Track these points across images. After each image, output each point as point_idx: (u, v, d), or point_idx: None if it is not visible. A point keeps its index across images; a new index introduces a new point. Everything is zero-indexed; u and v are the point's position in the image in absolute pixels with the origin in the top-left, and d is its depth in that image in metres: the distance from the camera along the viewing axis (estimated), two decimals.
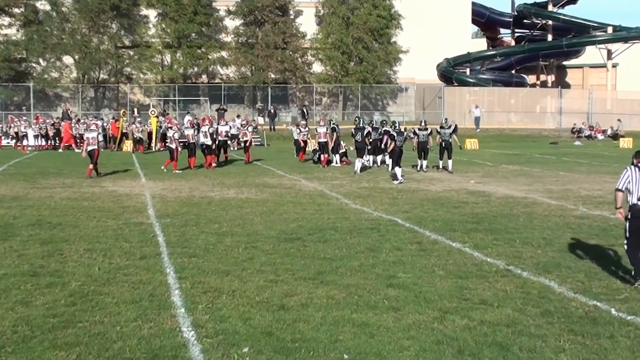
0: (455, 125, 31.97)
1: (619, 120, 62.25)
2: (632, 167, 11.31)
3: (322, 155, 33.76)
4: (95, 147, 28.08)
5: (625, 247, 11.41)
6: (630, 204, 11.29)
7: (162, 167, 30.51)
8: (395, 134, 27.51)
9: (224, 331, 8.66)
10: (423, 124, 30.43)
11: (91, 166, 27.90)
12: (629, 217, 11.37)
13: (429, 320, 9.11)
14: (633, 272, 11.08)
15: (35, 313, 9.38)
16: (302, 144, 37.74)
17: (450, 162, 29.99)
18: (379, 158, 33.40)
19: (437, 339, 8.41)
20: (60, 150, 44.71)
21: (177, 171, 29.81)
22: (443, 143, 30.31)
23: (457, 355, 7.91)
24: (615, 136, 60.12)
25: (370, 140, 32.21)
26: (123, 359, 7.80)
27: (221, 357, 7.83)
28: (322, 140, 33.50)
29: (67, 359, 7.80)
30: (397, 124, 29.15)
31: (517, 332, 8.64)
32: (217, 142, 33.40)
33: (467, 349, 8.06)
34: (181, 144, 32.87)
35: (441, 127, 30.70)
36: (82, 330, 8.67)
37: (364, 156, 31.92)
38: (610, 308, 9.64)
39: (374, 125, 34.06)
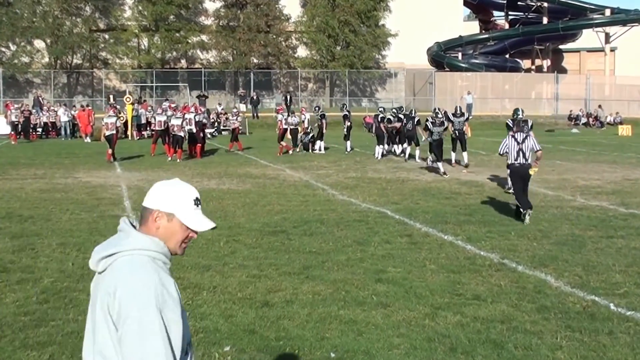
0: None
1: (599, 106, 62.61)
2: (510, 136, 16.83)
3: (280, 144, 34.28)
4: (114, 132, 30.31)
5: (512, 191, 17.73)
6: (509, 162, 16.67)
7: (169, 159, 30.62)
8: (430, 125, 25.81)
9: (205, 329, 8.64)
10: (459, 110, 28.68)
11: (110, 151, 29.85)
12: (509, 172, 17.09)
13: (419, 317, 9.11)
14: (520, 207, 16.01)
15: (5, 311, 9.33)
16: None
17: (465, 154, 28.33)
18: (400, 147, 32.92)
19: (429, 336, 8.41)
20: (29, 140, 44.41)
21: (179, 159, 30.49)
22: (456, 132, 27.94)
23: (450, 353, 7.91)
24: (602, 124, 60.49)
25: (390, 127, 32.24)
26: None
27: (202, 357, 7.81)
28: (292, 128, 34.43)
29: (40, 359, 7.76)
30: (439, 113, 26.39)
31: (512, 329, 8.65)
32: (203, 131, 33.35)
33: (460, 347, 8.07)
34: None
35: (453, 115, 28.26)
36: (55, 329, 8.63)
37: (385, 144, 32.60)
38: (609, 303, 9.66)
39: (396, 114, 33.62)
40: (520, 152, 16.38)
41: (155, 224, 3.50)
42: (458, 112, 28.51)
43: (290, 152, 33.91)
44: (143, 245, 3.43)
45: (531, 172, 16.44)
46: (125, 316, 3.27)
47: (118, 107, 44.34)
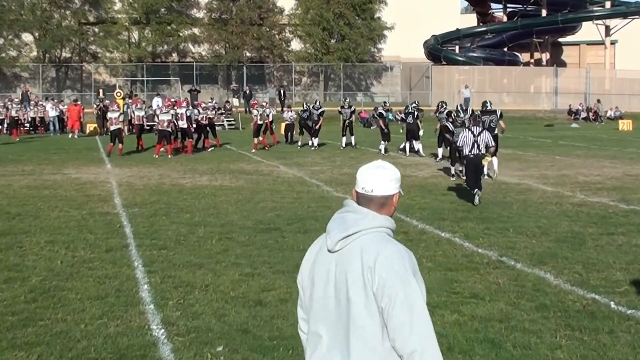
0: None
1: (597, 101, 62.70)
2: (466, 129, 18.80)
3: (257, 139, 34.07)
4: (119, 126, 31.38)
5: (464, 180, 19.57)
6: (464, 154, 18.73)
7: (155, 155, 30.54)
8: (451, 126, 24.35)
9: (197, 329, 8.63)
10: (489, 105, 25.16)
11: (121, 145, 30.97)
12: (465, 163, 19.11)
13: None
14: (470, 189, 18.11)
15: None
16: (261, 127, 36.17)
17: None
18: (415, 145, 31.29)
19: None
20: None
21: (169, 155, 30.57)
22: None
23: (447, 352, 7.89)
24: (600, 119, 60.60)
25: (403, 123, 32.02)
26: (88, 359, 7.76)
27: (193, 357, 7.80)
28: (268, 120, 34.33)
29: (28, 359, 7.74)
30: (461, 112, 25.12)
31: (510, 328, 8.64)
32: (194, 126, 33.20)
33: (457, 346, 8.06)
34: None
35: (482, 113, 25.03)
36: (44, 329, 8.61)
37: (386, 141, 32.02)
38: (610, 301, 9.66)
39: (408, 111, 32.27)
40: (475, 144, 18.26)
41: (394, 205, 4.09)
42: (487, 107, 25.22)
43: (267, 148, 33.64)
44: (382, 224, 3.92)
45: (484, 161, 18.96)
46: (389, 287, 3.68)
47: (52, 105, 44.11)
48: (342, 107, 35.94)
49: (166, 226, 14.98)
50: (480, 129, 18.69)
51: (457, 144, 19.28)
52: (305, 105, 37.86)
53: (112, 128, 31.57)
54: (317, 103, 36.24)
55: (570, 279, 10.80)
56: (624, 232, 14.25)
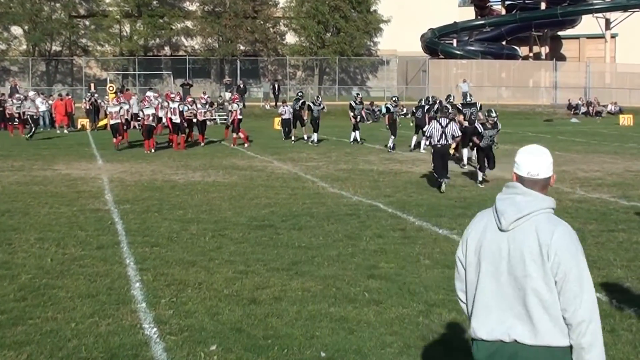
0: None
1: (595, 99, 62.80)
2: (435, 121, 20.69)
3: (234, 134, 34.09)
4: (118, 121, 31.80)
5: (433, 168, 20.50)
6: (432, 144, 20.18)
7: (145, 151, 30.48)
8: (480, 127, 21.35)
9: (190, 327, 8.62)
10: (470, 97, 28.05)
11: (120, 137, 31.81)
12: (433, 152, 20.35)
13: (413, 314, 9.11)
14: (438, 178, 19.70)
15: None
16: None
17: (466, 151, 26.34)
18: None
19: (423, 334, 8.41)
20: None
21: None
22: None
23: (445, 352, 7.91)
24: (599, 114, 60.69)
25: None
26: (78, 359, 7.73)
27: (186, 356, 7.79)
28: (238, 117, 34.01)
29: (17, 359, 7.72)
30: (492, 112, 21.94)
31: None
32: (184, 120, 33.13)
33: (457, 345, 8.07)
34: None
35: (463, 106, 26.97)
36: (33, 328, 8.59)
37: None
38: (611, 299, 9.67)
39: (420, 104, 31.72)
40: (443, 134, 20.03)
41: (551, 184, 4.65)
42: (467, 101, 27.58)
43: (247, 144, 33.45)
44: (550, 205, 4.50)
45: (451, 150, 21.20)
46: (564, 263, 4.33)
47: (40, 99, 44.01)
48: (355, 102, 35.53)
49: (158, 223, 14.97)
50: (448, 121, 20.50)
51: (426, 134, 21.13)
52: (298, 94, 37.79)
53: (111, 122, 32.26)
54: (318, 99, 36.04)
55: None
56: (625, 229, 14.26)
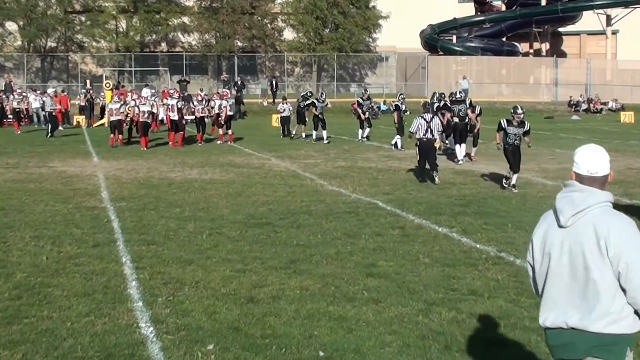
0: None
1: (596, 95, 62.87)
2: (419, 116, 21.41)
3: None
4: (119, 117, 32.06)
5: (417, 164, 21.30)
6: (417, 137, 21.01)
7: (142, 148, 30.47)
8: (504, 123, 20.13)
9: (187, 326, 8.61)
10: (458, 94, 28.20)
11: (121, 136, 32.40)
12: (418, 145, 21.04)
13: (413, 313, 9.10)
14: (419, 179, 20.78)
15: None
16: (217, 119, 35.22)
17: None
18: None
19: (422, 333, 8.40)
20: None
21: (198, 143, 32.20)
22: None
23: (444, 351, 7.90)
24: (600, 111, 60.72)
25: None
26: (74, 358, 7.73)
27: (183, 356, 7.79)
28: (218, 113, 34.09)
29: (12, 358, 7.71)
30: (518, 109, 20.04)
31: (510, 325, 8.65)
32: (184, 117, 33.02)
33: (455, 345, 8.06)
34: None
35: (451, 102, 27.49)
36: (29, 327, 8.58)
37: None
38: None
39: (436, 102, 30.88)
40: (428, 129, 21.02)
41: (609, 180, 4.89)
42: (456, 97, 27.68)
43: (219, 141, 33.39)
44: (606, 199, 4.77)
45: (436, 144, 21.52)
46: (625, 254, 4.57)
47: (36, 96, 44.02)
48: (362, 98, 35.30)
49: (155, 221, 14.96)
50: (432, 116, 21.60)
51: (410, 130, 21.74)
52: (307, 93, 37.85)
53: (112, 119, 32.30)
54: (322, 95, 35.80)
55: None
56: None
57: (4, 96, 47.23)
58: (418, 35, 68.07)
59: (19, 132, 39.86)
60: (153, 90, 46.57)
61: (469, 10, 76.74)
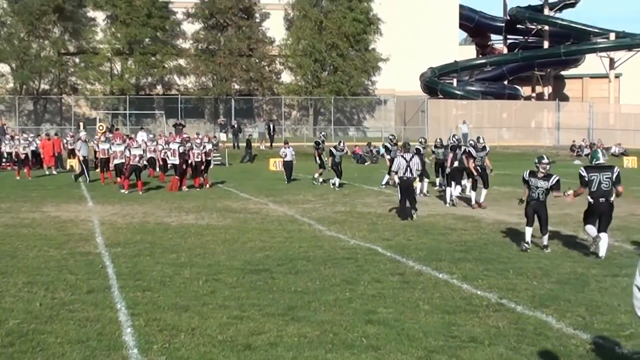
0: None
1: (599, 139, 63.19)
2: (400, 156, 23.16)
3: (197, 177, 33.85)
4: (123, 160, 32.35)
5: (399, 202, 23.16)
6: (398, 176, 22.77)
7: (124, 191, 30.53)
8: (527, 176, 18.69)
9: None
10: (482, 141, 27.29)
11: (124, 178, 31.82)
12: (399, 184, 22.96)
13: None
14: (400, 216, 22.56)
15: None
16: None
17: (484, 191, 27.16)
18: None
19: None
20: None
21: (184, 189, 32.11)
22: (478, 169, 26.62)
23: None
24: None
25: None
26: None
27: None
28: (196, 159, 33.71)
29: None
30: (544, 158, 19.45)
31: None
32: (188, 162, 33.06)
33: None
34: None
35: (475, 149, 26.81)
36: None
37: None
38: (614, 345, 9.72)
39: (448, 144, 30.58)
40: (408, 168, 22.75)
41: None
42: (480, 145, 26.98)
43: (193, 186, 33.22)
44: None
45: (415, 184, 24.00)
46: None
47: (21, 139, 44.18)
48: (390, 143, 34.96)
49: (150, 267, 14.99)
50: (411, 155, 23.19)
51: (393, 169, 23.83)
52: (322, 135, 38.51)
53: (115, 162, 33.21)
54: (340, 143, 35.68)
55: (573, 322, 10.85)
56: (629, 274, 14.27)
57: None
58: (418, 79, 68.45)
59: (29, 178, 39.31)
60: (151, 135, 46.53)
61: (470, 53, 77.32)
